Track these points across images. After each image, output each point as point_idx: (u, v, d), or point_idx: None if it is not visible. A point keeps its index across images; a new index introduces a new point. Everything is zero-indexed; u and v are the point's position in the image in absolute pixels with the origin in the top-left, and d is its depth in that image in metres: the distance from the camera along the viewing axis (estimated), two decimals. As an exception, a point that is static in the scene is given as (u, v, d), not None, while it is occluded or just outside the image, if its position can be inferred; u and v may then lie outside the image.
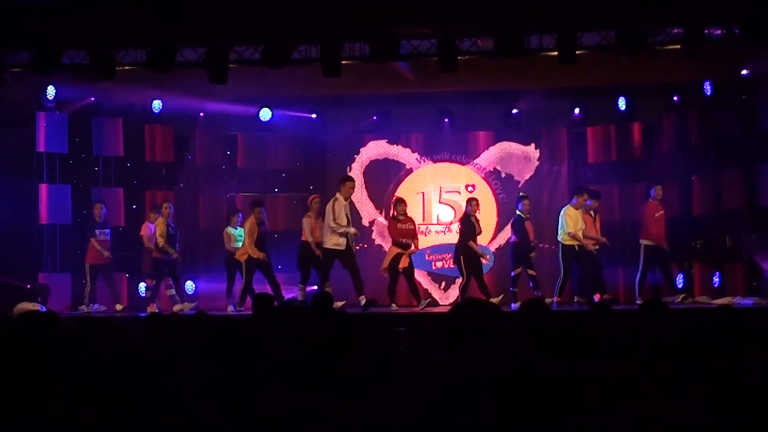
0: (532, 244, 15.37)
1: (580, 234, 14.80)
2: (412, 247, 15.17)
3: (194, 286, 16.53)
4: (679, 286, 15.52)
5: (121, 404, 4.36)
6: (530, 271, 15.19)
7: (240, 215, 15.77)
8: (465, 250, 15.02)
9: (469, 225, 15.04)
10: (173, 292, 15.70)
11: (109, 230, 15.71)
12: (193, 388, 4.85)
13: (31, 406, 4.36)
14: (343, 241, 14.55)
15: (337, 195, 14.73)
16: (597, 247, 15.13)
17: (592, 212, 15.19)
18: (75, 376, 4.73)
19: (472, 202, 15.28)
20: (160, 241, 15.26)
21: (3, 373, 4.53)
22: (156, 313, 11.67)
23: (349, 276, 14.79)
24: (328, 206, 14.61)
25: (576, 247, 14.88)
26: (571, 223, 14.80)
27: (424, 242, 16.52)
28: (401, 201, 15.46)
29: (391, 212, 15.67)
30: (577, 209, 14.94)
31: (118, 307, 15.53)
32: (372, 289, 15.12)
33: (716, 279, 15.40)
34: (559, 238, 14.99)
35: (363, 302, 14.53)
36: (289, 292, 15.30)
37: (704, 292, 15.30)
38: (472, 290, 14.95)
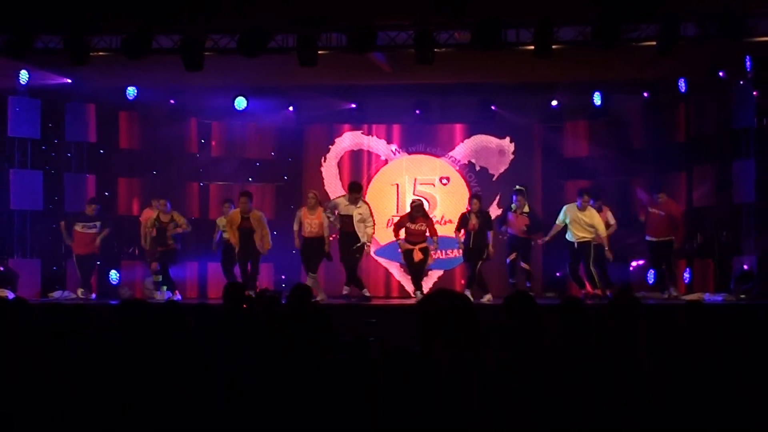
0: (526, 238, 15.39)
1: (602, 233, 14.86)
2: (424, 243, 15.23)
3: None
4: (650, 282, 15.62)
5: (96, 392, 4.34)
6: (524, 265, 15.24)
7: (232, 206, 15.70)
8: (465, 248, 15.16)
9: (465, 222, 15.05)
10: (159, 278, 15.73)
11: (98, 224, 15.64)
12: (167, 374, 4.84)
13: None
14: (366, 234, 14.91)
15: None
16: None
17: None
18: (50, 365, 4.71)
19: (473, 200, 15.20)
20: (148, 240, 15.45)
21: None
22: (128, 300, 11.62)
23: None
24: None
25: (576, 243, 14.93)
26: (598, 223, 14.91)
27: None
28: (420, 206, 15.32)
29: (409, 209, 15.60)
30: (583, 210, 14.93)
31: (80, 291, 15.48)
32: (341, 279, 15.20)
33: (686, 275, 15.51)
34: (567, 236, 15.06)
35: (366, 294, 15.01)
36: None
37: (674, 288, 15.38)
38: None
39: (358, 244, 14.88)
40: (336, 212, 15.07)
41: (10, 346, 5.20)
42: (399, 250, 15.45)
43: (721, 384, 4.59)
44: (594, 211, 14.89)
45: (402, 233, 15.19)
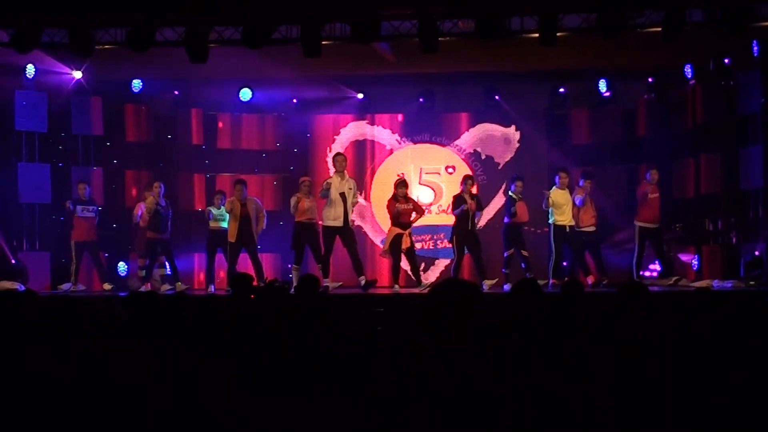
0: (525, 227, 15.35)
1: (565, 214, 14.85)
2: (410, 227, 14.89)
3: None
4: (659, 269, 15.57)
5: (102, 385, 4.34)
6: (524, 252, 15.14)
7: (223, 197, 15.65)
8: (459, 230, 15.01)
9: (460, 203, 14.90)
10: (164, 272, 15.73)
11: (95, 208, 15.62)
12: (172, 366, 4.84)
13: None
14: (340, 217, 14.45)
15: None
16: (593, 228, 15.16)
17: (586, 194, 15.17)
18: (55, 358, 4.72)
19: (467, 180, 15.12)
20: (146, 217, 15.27)
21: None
22: (136, 292, 11.62)
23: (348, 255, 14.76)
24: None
25: (567, 228, 14.92)
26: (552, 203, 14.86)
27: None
28: (403, 182, 15.03)
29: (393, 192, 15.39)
30: (562, 189, 14.92)
31: (106, 286, 15.50)
32: (347, 266, 15.10)
33: (695, 262, 15.49)
34: (550, 220, 15.02)
35: (363, 282, 14.54)
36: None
37: (683, 275, 15.35)
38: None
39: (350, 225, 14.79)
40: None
41: (19, 338, 5.22)
42: (387, 237, 14.93)
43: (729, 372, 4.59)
44: (567, 193, 14.96)
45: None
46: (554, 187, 14.99)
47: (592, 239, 15.21)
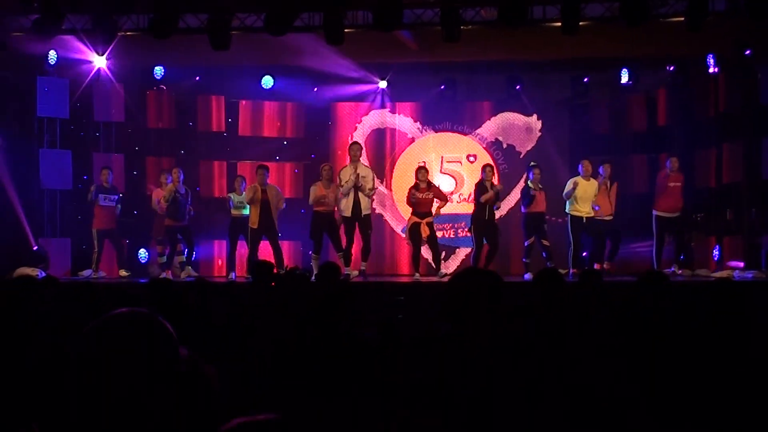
0: (545, 215, 15.34)
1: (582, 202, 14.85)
2: (431, 216, 14.93)
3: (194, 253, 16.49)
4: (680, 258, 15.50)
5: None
6: (544, 242, 15.09)
7: (243, 182, 15.69)
8: (476, 219, 14.99)
9: (482, 191, 14.92)
10: (183, 258, 15.79)
11: (116, 196, 15.67)
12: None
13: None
14: (350, 207, 14.55)
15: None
16: (609, 217, 15.14)
17: (608, 182, 15.17)
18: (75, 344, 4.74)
19: (486, 169, 15.12)
20: (163, 205, 15.30)
21: None
22: (157, 279, 11.68)
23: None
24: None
25: (584, 218, 14.91)
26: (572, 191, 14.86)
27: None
28: (423, 169, 15.14)
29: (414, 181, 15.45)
30: (586, 179, 14.91)
31: (123, 273, 15.60)
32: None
33: (716, 252, 15.43)
34: (567, 209, 15.01)
35: (362, 268, 14.78)
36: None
37: (703, 265, 15.30)
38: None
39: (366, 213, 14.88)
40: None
41: (39, 323, 5.25)
42: (405, 225, 15.04)
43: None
44: (592, 183, 15.00)
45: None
46: (579, 177, 14.97)
47: (608, 228, 15.18)
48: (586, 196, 14.88)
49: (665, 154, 15.86)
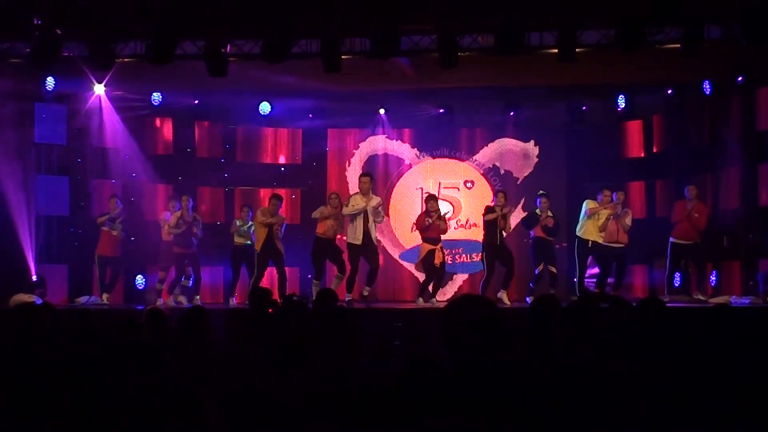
0: (554, 242, 15.37)
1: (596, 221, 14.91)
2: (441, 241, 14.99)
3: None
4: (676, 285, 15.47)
5: (119, 396, 4.36)
6: (551, 269, 15.16)
7: (250, 211, 15.77)
8: (488, 245, 14.99)
9: (490, 212, 14.91)
10: (187, 284, 15.83)
11: (121, 226, 15.71)
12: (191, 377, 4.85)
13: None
14: (360, 236, 14.62)
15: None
16: (618, 245, 15.10)
17: (619, 208, 15.13)
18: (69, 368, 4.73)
19: (498, 194, 15.19)
20: (171, 231, 15.41)
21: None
22: (154, 307, 11.65)
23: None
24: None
25: (589, 243, 14.91)
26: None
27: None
28: (433, 197, 15.24)
29: (423, 207, 15.50)
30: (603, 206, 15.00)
31: (104, 297, 15.55)
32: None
33: (713, 278, 15.41)
34: (578, 231, 15.04)
35: (364, 293, 14.91)
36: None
37: (700, 291, 15.27)
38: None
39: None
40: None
41: (37, 351, 5.23)
42: (420, 253, 15.02)
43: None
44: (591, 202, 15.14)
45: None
46: (596, 202, 15.01)
47: (617, 254, 15.12)
48: (597, 222, 14.92)
49: (661, 180, 15.87)
